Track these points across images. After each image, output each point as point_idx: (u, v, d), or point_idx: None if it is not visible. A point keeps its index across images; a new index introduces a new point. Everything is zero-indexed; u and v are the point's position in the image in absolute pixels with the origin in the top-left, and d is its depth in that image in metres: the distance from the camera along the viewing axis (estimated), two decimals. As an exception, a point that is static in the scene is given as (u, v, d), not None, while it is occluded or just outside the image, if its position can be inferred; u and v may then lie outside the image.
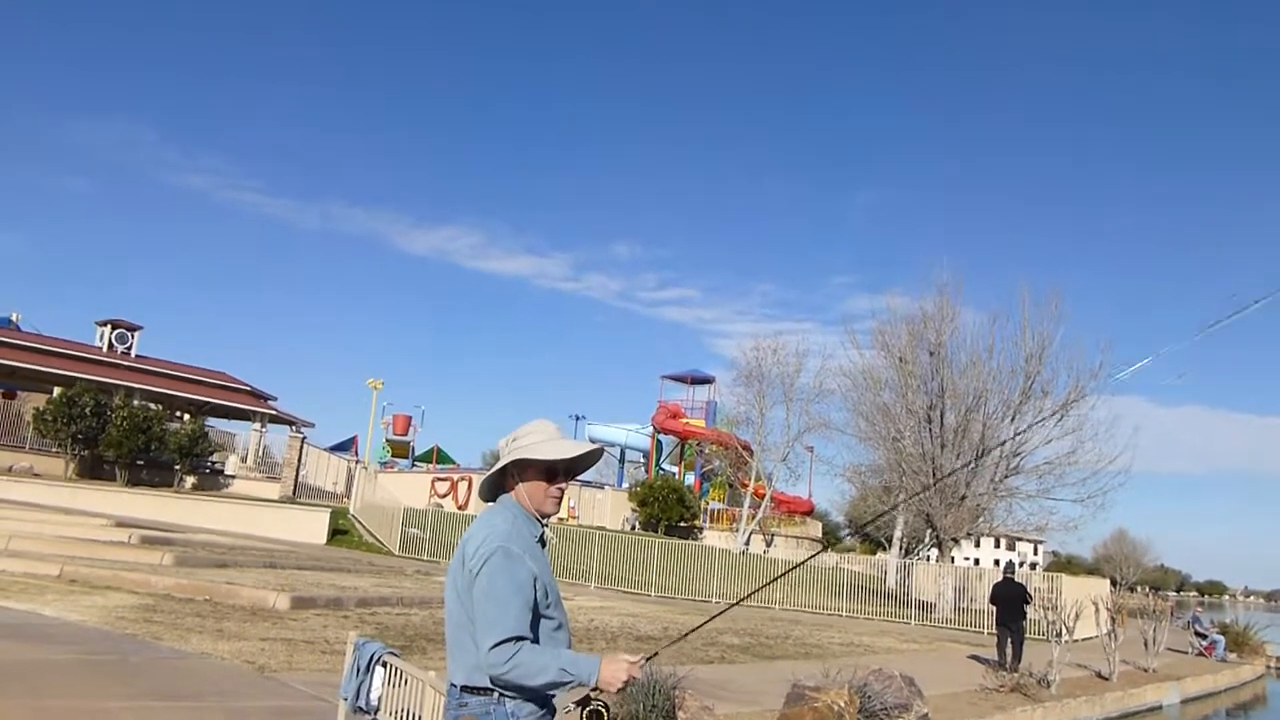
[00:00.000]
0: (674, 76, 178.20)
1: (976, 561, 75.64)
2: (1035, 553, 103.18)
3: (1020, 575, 20.87)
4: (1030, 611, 17.01)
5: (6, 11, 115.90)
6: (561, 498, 2.94)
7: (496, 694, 2.60)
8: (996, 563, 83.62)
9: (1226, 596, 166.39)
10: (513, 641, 2.53)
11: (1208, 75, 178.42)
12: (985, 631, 23.89)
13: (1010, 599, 16.60)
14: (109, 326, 34.81)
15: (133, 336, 35.33)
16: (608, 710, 2.62)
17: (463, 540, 2.79)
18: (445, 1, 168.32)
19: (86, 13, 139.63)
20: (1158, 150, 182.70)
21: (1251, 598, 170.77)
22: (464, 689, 2.66)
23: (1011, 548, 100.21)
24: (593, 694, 2.62)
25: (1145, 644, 19.23)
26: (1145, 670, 18.32)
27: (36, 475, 26.33)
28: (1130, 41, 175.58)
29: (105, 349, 34.28)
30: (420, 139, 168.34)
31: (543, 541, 2.83)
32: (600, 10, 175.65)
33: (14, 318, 36.19)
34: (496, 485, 2.91)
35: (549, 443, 2.86)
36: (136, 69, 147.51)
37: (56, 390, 28.55)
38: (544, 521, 2.88)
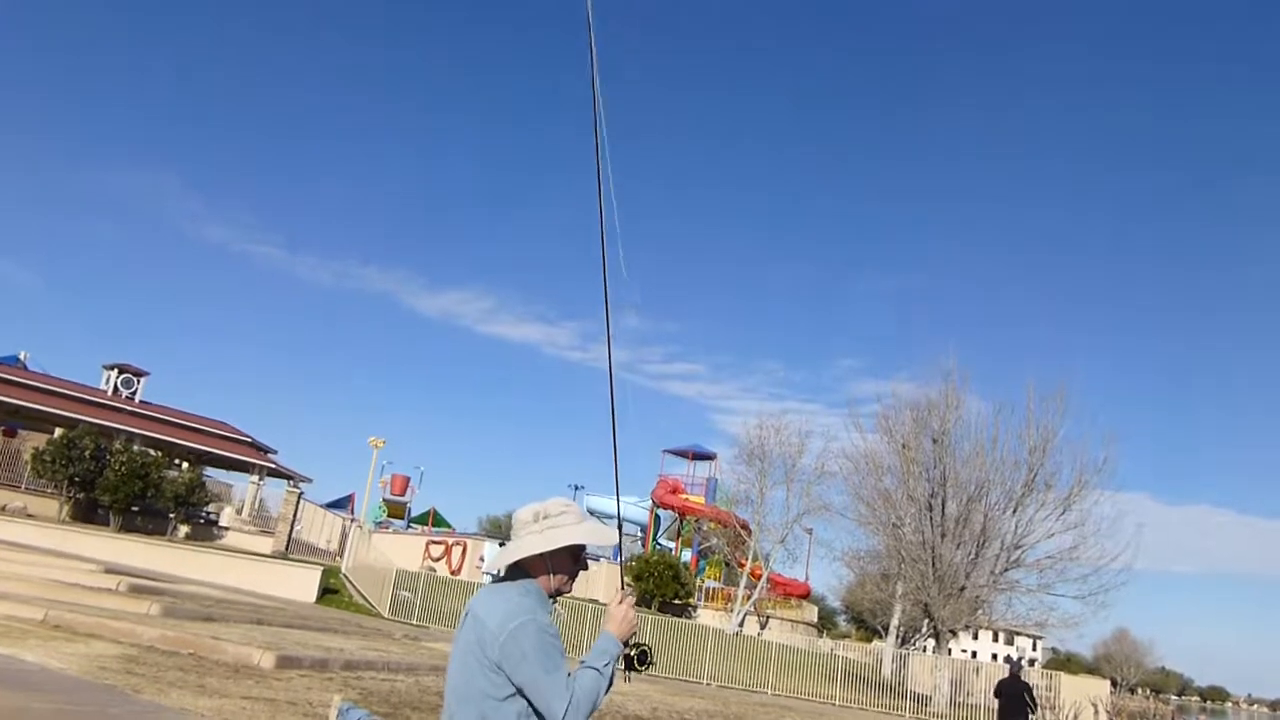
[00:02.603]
0: (690, 157, 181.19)
1: (974, 654, 74.30)
2: (1034, 648, 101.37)
3: (1002, 669, 20.44)
4: (1032, 711, 16.65)
5: (42, 56, 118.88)
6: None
7: None
8: (994, 657, 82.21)
9: (1229, 703, 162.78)
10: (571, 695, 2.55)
11: (1214, 171, 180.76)
12: (981, 728, 23.42)
13: (1014, 696, 16.28)
14: (116, 370, 34.96)
15: (138, 382, 35.46)
16: (646, 649, 2.85)
17: (475, 614, 2.71)
18: (470, 70, 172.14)
19: (119, 62, 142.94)
20: (1170, 245, 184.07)
21: (1255, 705, 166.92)
22: None
23: (1010, 642, 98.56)
24: (627, 649, 2.79)
25: (1145, 749, 18.75)
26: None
27: (30, 516, 26.15)
28: (1138, 136, 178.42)
29: (110, 392, 34.37)
30: (437, 202, 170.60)
31: None
32: (619, 87, 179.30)
33: (21, 356, 36.36)
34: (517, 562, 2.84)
35: (585, 526, 2.83)
36: (169, 121, 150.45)
37: (58, 431, 28.54)
38: (555, 603, 2.85)
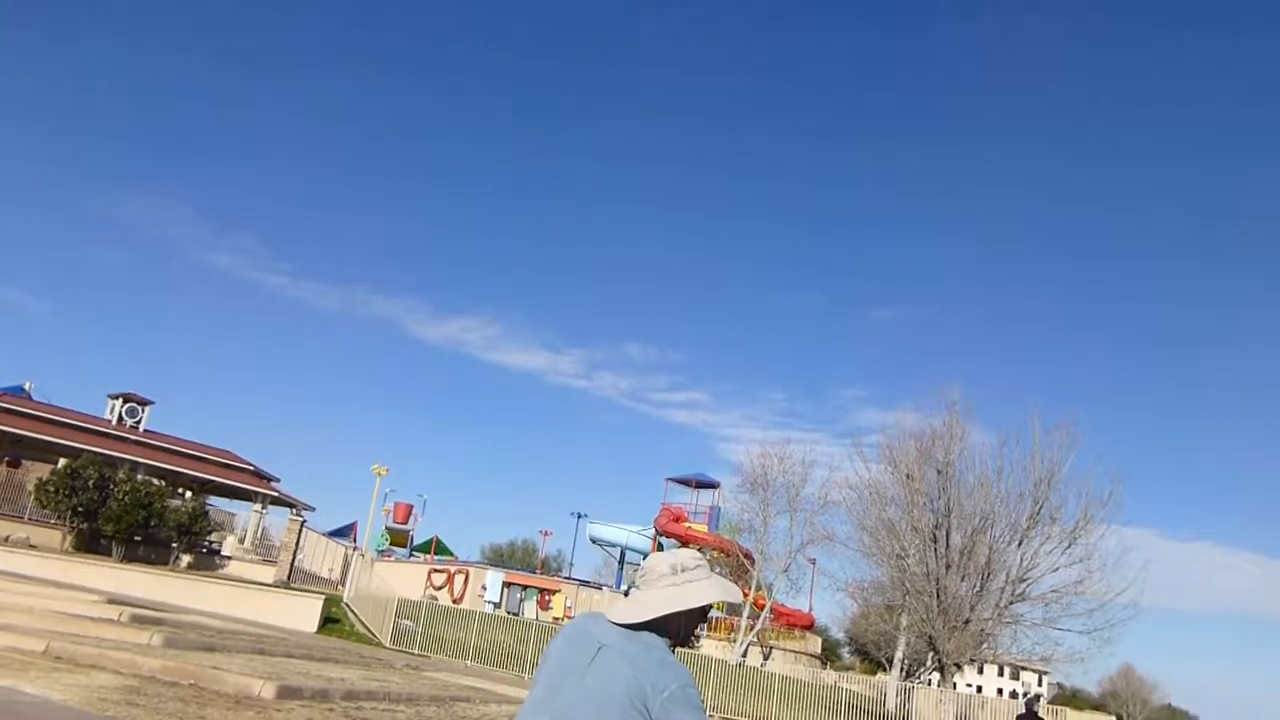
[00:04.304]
0: (698, 188, 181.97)
1: (979, 689, 73.65)
2: (1040, 683, 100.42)
3: (1020, 705, 20.52)
4: None
5: (54, 80, 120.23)
6: None
7: None
8: (1000, 691, 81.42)
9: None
10: None
11: (1225, 214, 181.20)
12: (986, 763, 23.24)
13: None
14: (120, 400, 35.07)
15: (143, 411, 35.55)
16: None
17: (620, 650, 2.58)
18: (478, 95, 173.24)
19: (132, 85, 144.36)
20: (1179, 285, 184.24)
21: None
22: None
23: (1016, 676, 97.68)
24: None
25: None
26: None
27: (33, 546, 26.15)
28: (1149, 173, 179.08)
29: (115, 422, 34.45)
30: (446, 228, 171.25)
31: None
32: (628, 117, 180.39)
33: (26, 386, 36.51)
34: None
35: (716, 582, 2.75)
36: (179, 146, 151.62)
37: (62, 461, 28.60)
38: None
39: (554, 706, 2.59)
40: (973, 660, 31.30)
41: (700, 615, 2.74)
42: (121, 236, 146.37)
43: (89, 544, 28.04)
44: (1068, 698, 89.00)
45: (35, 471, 29.50)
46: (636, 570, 2.79)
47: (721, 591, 2.73)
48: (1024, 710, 17.62)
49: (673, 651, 2.70)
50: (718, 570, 39.60)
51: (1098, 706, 79.70)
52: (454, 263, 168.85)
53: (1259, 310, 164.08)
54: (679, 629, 2.69)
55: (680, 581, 2.68)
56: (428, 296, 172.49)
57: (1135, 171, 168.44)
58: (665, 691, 2.46)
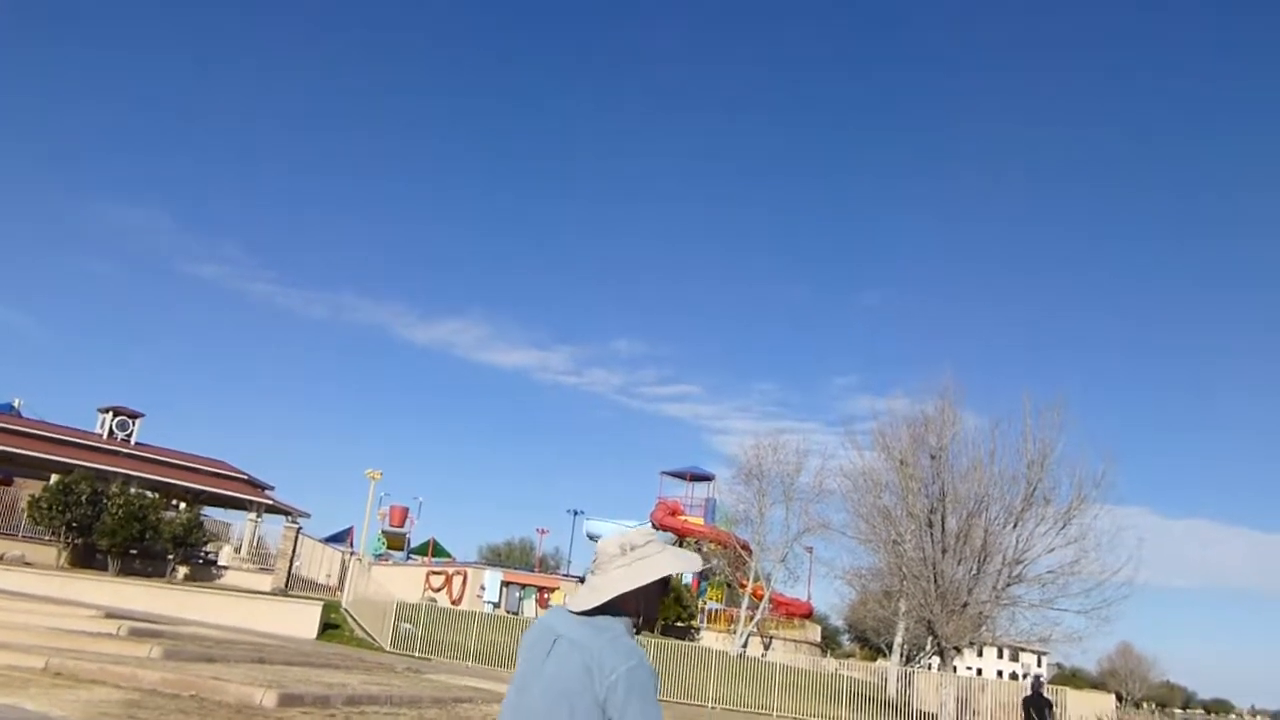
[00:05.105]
0: (680, 177, 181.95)
1: (979, 672, 74.00)
2: (1039, 664, 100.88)
3: (1024, 686, 20.87)
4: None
5: (36, 92, 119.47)
6: None
7: None
8: (999, 674, 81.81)
9: (1233, 715, 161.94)
10: None
11: (1215, 187, 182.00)
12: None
13: (1038, 710, 17.50)
14: (111, 413, 34.94)
15: (134, 424, 35.43)
16: None
17: (571, 640, 2.58)
18: (461, 97, 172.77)
19: (113, 94, 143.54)
20: (1169, 261, 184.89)
21: (1259, 717, 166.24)
22: None
23: (1015, 658, 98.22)
24: None
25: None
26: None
27: (28, 564, 26.05)
28: (1136, 149, 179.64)
29: (105, 436, 34.33)
30: (431, 231, 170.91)
31: None
32: (607, 111, 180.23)
33: (16, 403, 36.34)
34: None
35: (670, 554, 2.74)
36: (163, 156, 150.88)
37: (54, 477, 28.50)
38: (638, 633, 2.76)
39: (521, 705, 2.61)
40: (972, 643, 31.42)
41: (660, 591, 2.73)
42: (106, 248, 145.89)
43: (84, 559, 27.95)
44: (1067, 677, 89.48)
45: (27, 488, 29.38)
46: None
47: (676, 563, 2.73)
48: (1030, 692, 18.10)
49: (637, 632, 2.71)
50: (713, 561, 39.77)
51: (1097, 685, 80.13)
52: (439, 265, 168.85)
53: (1251, 294, 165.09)
54: (638, 608, 2.69)
55: (632, 560, 2.68)
56: (415, 300, 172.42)
57: (1123, 151, 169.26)
58: (613, 674, 2.45)
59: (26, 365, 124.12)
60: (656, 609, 2.77)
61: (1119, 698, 50.32)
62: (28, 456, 30.84)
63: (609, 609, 2.65)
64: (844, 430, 59.02)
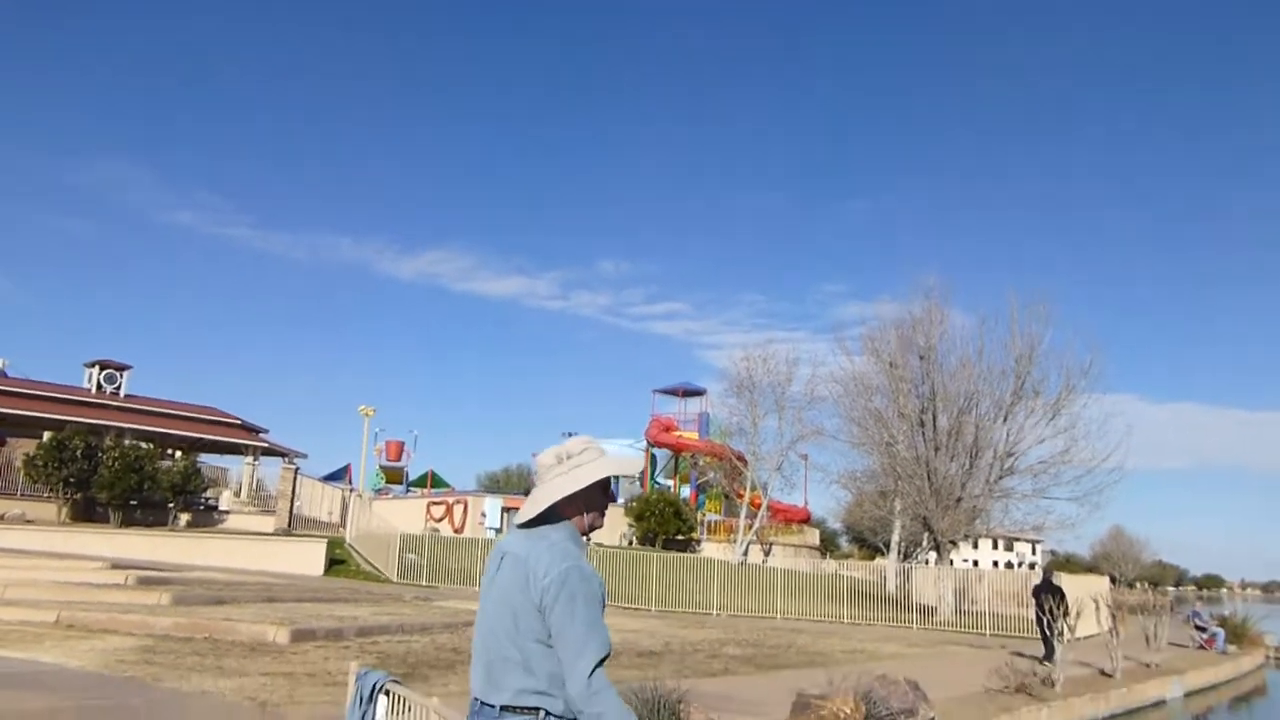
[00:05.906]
0: (658, 92, 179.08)
1: (975, 563, 75.65)
2: (1033, 552, 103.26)
3: (1019, 575, 21.35)
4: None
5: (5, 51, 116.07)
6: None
7: (542, 713, 2.47)
8: (995, 564, 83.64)
9: (1224, 589, 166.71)
10: (605, 662, 2.44)
11: (1201, 81, 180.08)
12: (988, 634, 23.94)
13: (1053, 592, 17.92)
14: (97, 367, 34.74)
15: (121, 376, 35.25)
16: None
17: (515, 554, 2.63)
18: (428, 31, 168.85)
19: (83, 53, 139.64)
20: (1152, 155, 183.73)
21: (1249, 590, 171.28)
22: (504, 709, 2.51)
23: (1010, 548, 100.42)
24: None
25: (1146, 639, 19.27)
26: (1148, 665, 18.34)
27: (29, 521, 26.18)
28: (1122, 51, 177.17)
29: (94, 390, 34.19)
30: (407, 165, 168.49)
31: None
32: (583, 26, 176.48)
33: (1, 364, 36.06)
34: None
35: (610, 457, 2.78)
36: (128, 105, 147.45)
37: (46, 435, 28.43)
38: (589, 541, 2.80)
39: (480, 626, 2.70)
40: (967, 536, 32.00)
41: (600, 494, 2.77)
42: (77, 204, 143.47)
43: (85, 513, 28.08)
44: (1061, 563, 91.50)
45: (21, 447, 29.37)
46: None
47: (613, 465, 2.79)
48: (1041, 580, 18.87)
49: (586, 541, 2.76)
50: (710, 474, 40.08)
51: (1091, 569, 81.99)
52: (416, 199, 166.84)
53: (1237, 181, 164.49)
54: (580, 514, 2.74)
55: (569, 468, 2.73)
56: (395, 234, 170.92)
57: (1103, 55, 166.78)
58: (546, 576, 2.50)
59: (8, 327, 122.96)
60: (601, 516, 2.80)
61: (1113, 579, 51.52)
62: (18, 416, 30.74)
63: (550, 518, 2.69)
64: (834, 337, 59.36)
